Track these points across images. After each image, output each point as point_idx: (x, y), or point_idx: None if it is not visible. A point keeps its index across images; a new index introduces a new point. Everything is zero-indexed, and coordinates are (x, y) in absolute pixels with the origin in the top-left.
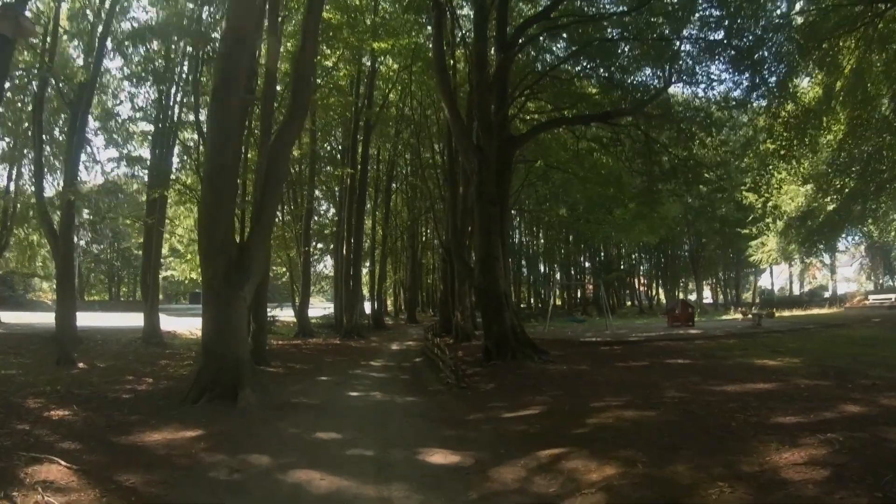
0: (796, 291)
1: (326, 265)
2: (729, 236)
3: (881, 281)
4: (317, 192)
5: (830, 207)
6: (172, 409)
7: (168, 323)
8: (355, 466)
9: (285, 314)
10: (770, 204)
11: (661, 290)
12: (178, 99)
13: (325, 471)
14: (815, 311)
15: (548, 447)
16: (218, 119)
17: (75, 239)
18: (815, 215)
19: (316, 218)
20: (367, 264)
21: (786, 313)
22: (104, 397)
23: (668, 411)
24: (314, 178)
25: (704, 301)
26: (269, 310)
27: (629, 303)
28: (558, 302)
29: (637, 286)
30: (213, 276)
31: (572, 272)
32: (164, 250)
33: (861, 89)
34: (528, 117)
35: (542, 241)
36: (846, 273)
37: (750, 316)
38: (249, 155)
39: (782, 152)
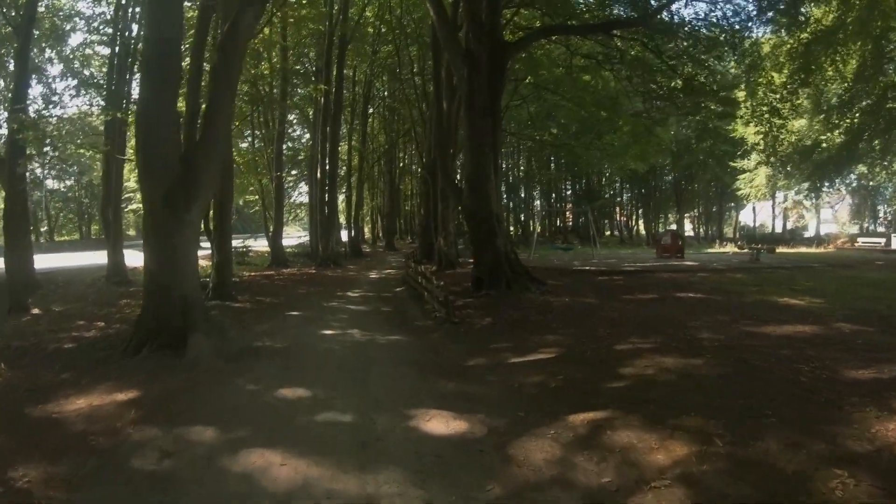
0: (777, 229)
1: (302, 192)
2: (714, 169)
3: (866, 224)
4: (291, 117)
5: (839, 142)
6: (111, 362)
7: (138, 259)
8: (328, 442)
9: (259, 244)
10: (770, 136)
11: (640, 222)
12: (136, 13)
13: (288, 450)
14: (804, 249)
15: (581, 409)
16: None
17: (31, 175)
18: (820, 150)
19: (290, 144)
20: (344, 191)
21: (780, 250)
22: (43, 349)
23: (717, 359)
24: (286, 99)
25: (686, 234)
26: (241, 240)
27: (608, 232)
28: (538, 229)
29: (617, 216)
30: (153, 196)
31: (553, 199)
32: (131, 182)
33: (876, 21)
34: (519, 32)
35: (523, 166)
36: (824, 215)
37: (747, 250)
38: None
39: (788, 83)
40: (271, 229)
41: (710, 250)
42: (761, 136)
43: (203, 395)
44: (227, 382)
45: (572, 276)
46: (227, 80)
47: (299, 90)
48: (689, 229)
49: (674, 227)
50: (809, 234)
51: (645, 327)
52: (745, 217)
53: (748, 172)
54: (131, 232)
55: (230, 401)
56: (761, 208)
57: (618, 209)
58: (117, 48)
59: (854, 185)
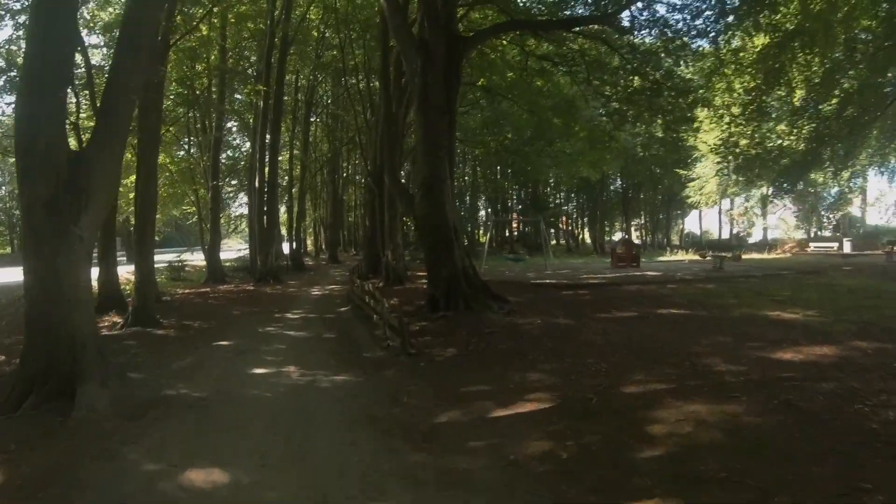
0: (722, 235)
1: (242, 204)
2: (660, 177)
3: (813, 229)
4: (230, 125)
5: (801, 147)
6: None
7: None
8: None
9: (197, 258)
10: (730, 142)
11: (586, 230)
12: None
13: None
14: (756, 255)
15: (621, 499)
16: None
17: None
18: (782, 155)
19: (230, 153)
20: (286, 201)
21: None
22: None
23: (756, 403)
24: (224, 101)
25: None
26: (177, 253)
27: (553, 241)
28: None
29: (563, 225)
30: (32, 203)
31: (499, 209)
32: None
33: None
34: (471, 34)
35: (468, 174)
36: (769, 221)
37: (709, 258)
38: None
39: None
40: (207, 242)
41: (663, 258)
42: (721, 141)
43: (82, 479)
44: (118, 457)
45: (533, 292)
46: (133, 53)
47: (238, 95)
48: (635, 237)
49: (621, 235)
50: (753, 239)
51: (643, 356)
52: (689, 224)
53: (698, 180)
54: None
55: (116, 490)
56: (705, 215)
57: (563, 218)
58: None
59: (799, 189)
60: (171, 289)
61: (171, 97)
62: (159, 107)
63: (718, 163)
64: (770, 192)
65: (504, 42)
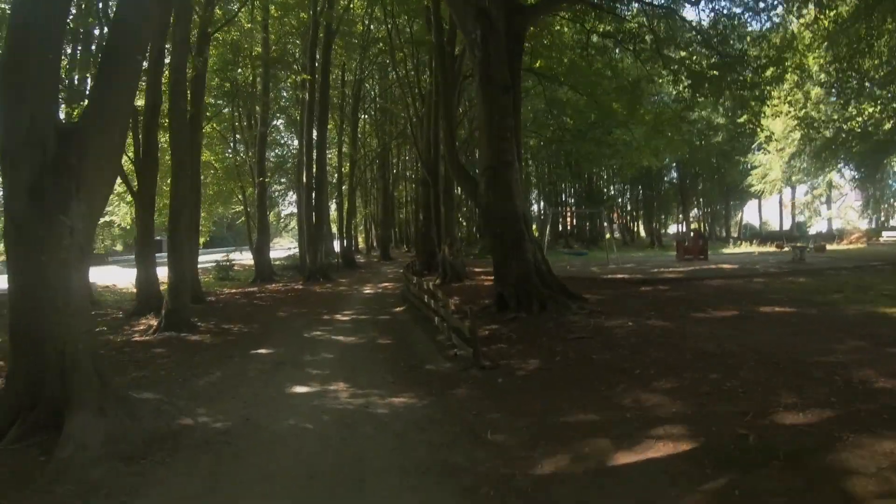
0: (783, 226)
1: (292, 202)
2: (718, 166)
3: (882, 219)
4: (277, 122)
5: (887, 126)
6: None
7: (117, 275)
8: None
9: (246, 257)
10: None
11: (639, 223)
12: None
13: None
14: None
15: None
16: None
17: None
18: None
19: (277, 151)
20: (335, 199)
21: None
22: None
23: None
24: (268, 93)
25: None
26: (224, 253)
27: (607, 235)
28: (547, 235)
29: (616, 218)
30: (14, 189)
31: (554, 202)
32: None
33: None
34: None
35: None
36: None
37: (786, 249)
38: None
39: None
40: (255, 241)
41: (727, 250)
42: (797, 121)
43: None
44: None
45: (609, 288)
46: (133, 20)
47: (284, 93)
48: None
49: (672, 229)
50: (813, 230)
51: (778, 369)
52: (747, 215)
53: (761, 167)
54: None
55: None
56: (762, 206)
57: (616, 211)
58: None
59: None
60: (218, 289)
61: (214, 93)
62: (197, 96)
63: (781, 149)
64: (839, 177)
65: (562, 20)
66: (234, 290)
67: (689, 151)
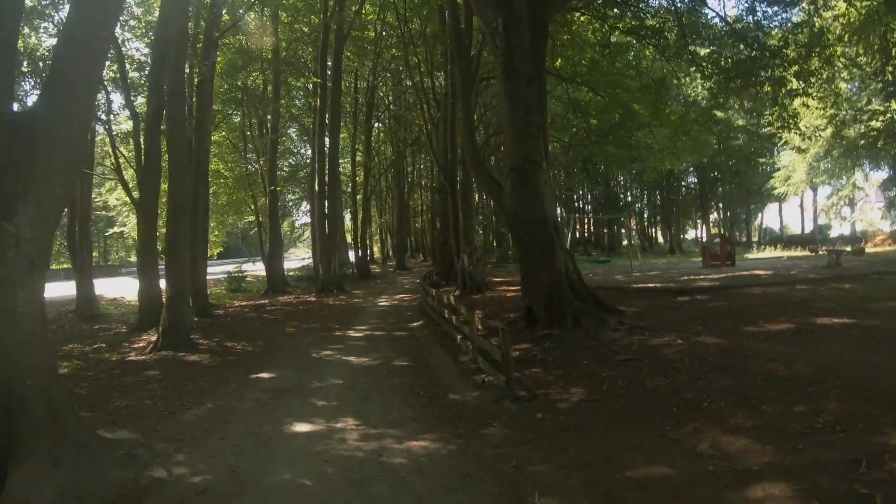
0: (805, 230)
1: (307, 212)
2: (737, 168)
3: None
4: (290, 131)
5: None
6: None
7: (128, 287)
8: None
9: (259, 268)
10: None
11: (656, 229)
12: None
13: None
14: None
15: None
16: None
17: None
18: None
19: (291, 161)
20: (350, 208)
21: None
22: None
23: None
24: (278, 99)
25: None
26: (237, 264)
27: (624, 242)
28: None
29: (635, 224)
30: None
31: (572, 208)
32: (112, 199)
33: None
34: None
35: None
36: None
37: (821, 253)
38: None
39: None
40: (267, 251)
41: (753, 255)
42: (827, 119)
43: None
44: None
45: (641, 298)
46: None
47: (297, 101)
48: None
49: (690, 234)
50: (835, 233)
51: (868, 396)
52: (767, 219)
53: (783, 169)
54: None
55: None
56: (781, 209)
57: (633, 217)
58: None
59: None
60: (228, 301)
61: (222, 98)
62: (203, 101)
63: (804, 150)
64: (863, 179)
65: (582, 17)
66: (244, 303)
67: (710, 155)
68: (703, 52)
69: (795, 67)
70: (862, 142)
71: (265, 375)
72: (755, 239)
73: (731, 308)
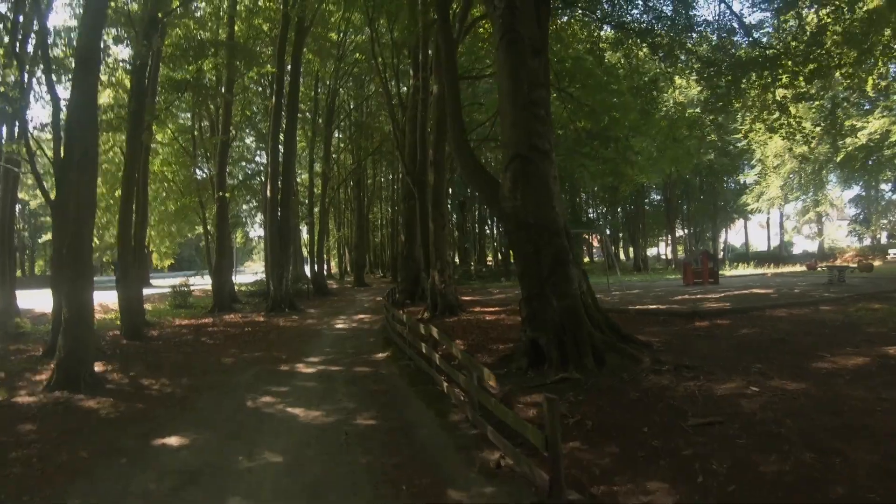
0: (770, 246)
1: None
2: (711, 184)
3: (876, 237)
4: (246, 140)
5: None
6: None
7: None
8: None
9: (209, 282)
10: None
11: (618, 246)
12: None
13: None
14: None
15: None
16: None
17: None
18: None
19: (245, 166)
20: (307, 219)
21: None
22: None
23: None
24: (231, 91)
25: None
26: (182, 277)
27: (586, 259)
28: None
29: (594, 241)
30: None
31: None
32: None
33: None
34: None
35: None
36: (809, 230)
37: (820, 269)
38: None
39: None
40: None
41: (728, 273)
42: (821, 130)
43: None
44: None
45: (653, 324)
46: None
47: (255, 107)
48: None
49: (653, 250)
50: (797, 250)
51: None
52: (731, 237)
53: (758, 185)
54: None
55: None
56: (739, 228)
57: (593, 234)
58: None
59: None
60: (170, 318)
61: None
62: (139, 89)
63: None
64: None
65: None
66: (184, 322)
67: (690, 167)
68: (701, 48)
69: (813, 65)
70: (838, 158)
71: (173, 442)
72: (719, 256)
73: (770, 336)
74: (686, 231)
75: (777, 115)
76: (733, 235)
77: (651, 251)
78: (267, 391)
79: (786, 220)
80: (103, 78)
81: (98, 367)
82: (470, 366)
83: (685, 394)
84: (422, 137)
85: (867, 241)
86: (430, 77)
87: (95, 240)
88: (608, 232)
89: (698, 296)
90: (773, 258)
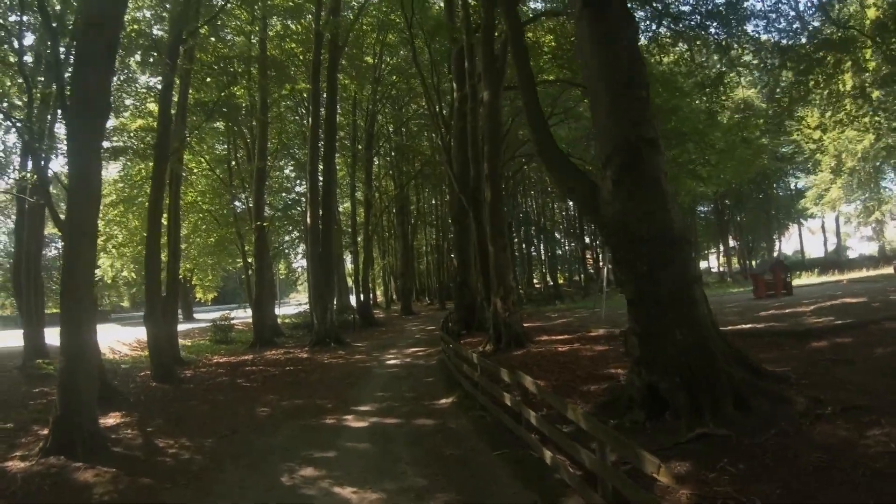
0: (826, 252)
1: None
2: (768, 191)
3: None
4: (288, 171)
5: None
6: None
7: (112, 335)
8: None
9: (250, 315)
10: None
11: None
12: None
13: None
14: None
15: None
16: None
17: None
18: None
19: (285, 196)
20: (350, 248)
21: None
22: None
23: None
24: (266, 112)
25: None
26: (224, 311)
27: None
28: (561, 280)
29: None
30: None
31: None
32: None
33: None
34: None
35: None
36: (865, 233)
37: None
38: None
39: None
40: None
41: (795, 282)
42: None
43: None
44: None
45: (759, 347)
46: None
47: (289, 126)
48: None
49: (705, 263)
50: (852, 254)
51: None
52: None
53: (814, 187)
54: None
55: None
56: (792, 234)
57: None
58: None
59: None
60: (208, 356)
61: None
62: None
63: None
64: None
65: None
66: (223, 359)
67: (751, 174)
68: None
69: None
70: None
71: None
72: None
73: None
74: (737, 242)
75: (848, 106)
76: (785, 243)
77: (701, 264)
78: (308, 458)
79: (844, 223)
80: (127, 102)
81: (112, 420)
82: (610, 442)
83: (882, 450)
84: (474, 150)
85: None
86: (479, 84)
87: (132, 274)
88: None
89: (787, 310)
90: (833, 264)
